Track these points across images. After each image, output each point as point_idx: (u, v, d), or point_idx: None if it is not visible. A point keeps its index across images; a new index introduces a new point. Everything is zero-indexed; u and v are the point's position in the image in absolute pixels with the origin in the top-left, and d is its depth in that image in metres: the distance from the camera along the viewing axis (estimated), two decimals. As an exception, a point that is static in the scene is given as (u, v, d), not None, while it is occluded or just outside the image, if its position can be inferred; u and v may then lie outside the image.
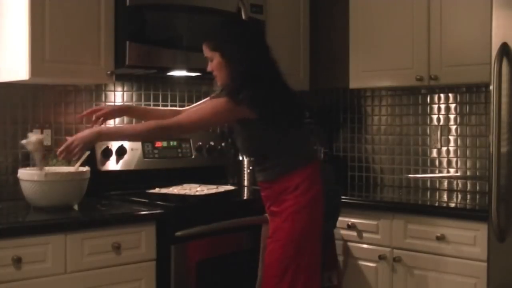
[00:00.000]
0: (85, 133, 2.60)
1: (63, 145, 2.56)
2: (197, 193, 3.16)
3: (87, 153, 2.87)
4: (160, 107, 3.46)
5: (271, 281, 2.67)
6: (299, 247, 2.64)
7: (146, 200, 2.95)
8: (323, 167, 2.81)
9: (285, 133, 2.69)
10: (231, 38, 2.71)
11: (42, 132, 3.15)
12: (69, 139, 2.57)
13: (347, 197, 3.28)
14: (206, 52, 2.74)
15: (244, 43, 2.70)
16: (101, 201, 2.99)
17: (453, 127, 3.56)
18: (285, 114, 2.68)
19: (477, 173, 3.46)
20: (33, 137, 2.75)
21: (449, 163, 3.57)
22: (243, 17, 3.28)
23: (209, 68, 2.76)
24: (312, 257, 2.68)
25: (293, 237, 2.64)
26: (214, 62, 2.72)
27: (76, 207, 2.78)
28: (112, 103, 3.42)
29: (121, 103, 3.42)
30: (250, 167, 3.61)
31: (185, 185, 3.32)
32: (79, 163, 2.84)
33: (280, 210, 2.68)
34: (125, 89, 3.49)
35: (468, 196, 3.40)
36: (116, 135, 2.76)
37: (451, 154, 3.56)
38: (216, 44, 2.70)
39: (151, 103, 3.58)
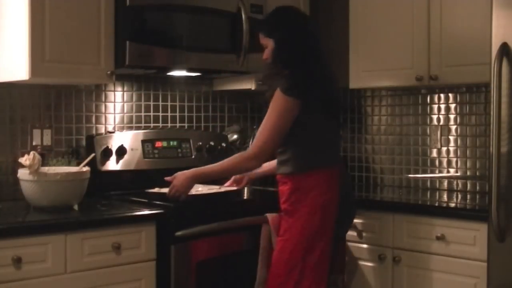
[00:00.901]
0: (182, 175, 2.81)
1: (170, 187, 2.82)
2: (197, 193, 3.16)
3: (93, 155, 2.94)
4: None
5: (276, 279, 2.68)
6: (309, 248, 2.65)
7: (146, 200, 2.95)
8: (342, 171, 2.82)
9: (318, 127, 2.71)
10: (284, 25, 2.76)
11: (42, 132, 3.15)
12: (171, 182, 2.83)
13: (347, 197, 3.28)
14: (261, 39, 2.80)
15: (295, 30, 2.75)
16: (101, 201, 2.99)
17: (453, 127, 3.56)
18: (325, 107, 2.71)
19: (477, 173, 3.47)
20: (30, 156, 2.74)
21: (449, 163, 3.57)
22: (243, 17, 3.28)
23: (264, 56, 2.80)
24: (320, 259, 2.68)
25: (304, 237, 2.65)
26: (268, 49, 2.77)
27: (76, 207, 2.78)
28: (112, 103, 3.42)
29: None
30: (250, 167, 3.61)
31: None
32: (84, 164, 2.85)
33: (293, 210, 2.68)
34: (125, 89, 3.49)
35: (468, 196, 3.40)
36: (209, 176, 2.87)
37: (451, 154, 3.56)
38: (270, 30, 2.76)
39: (151, 103, 3.58)
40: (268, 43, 2.78)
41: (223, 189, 3.25)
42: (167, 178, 2.86)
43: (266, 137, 2.67)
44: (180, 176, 2.82)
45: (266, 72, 2.83)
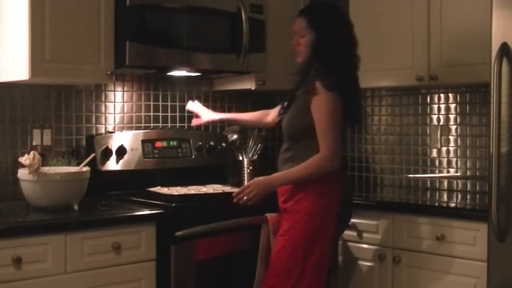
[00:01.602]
0: (260, 179, 2.72)
1: (240, 188, 2.74)
2: (197, 193, 3.16)
3: (93, 155, 2.94)
4: (247, 113, 3.38)
5: (273, 279, 2.68)
6: (309, 248, 2.66)
7: (146, 200, 2.95)
8: (344, 173, 2.83)
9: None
10: (331, 22, 2.75)
11: (42, 132, 3.15)
12: (247, 184, 2.74)
13: (347, 197, 3.29)
14: (301, 25, 2.75)
15: (340, 31, 2.75)
16: (101, 201, 2.99)
17: (453, 127, 3.56)
18: (349, 110, 2.72)
19: (477, 173, 3.46)
20: (30, 156, 2.73)
21: (449, 163, 3.57)
22: (243, 17, 3.28)
23: (295, 42, 2.78)
24: (320, 260, 2.69)
25: (305, 238, 2.66)
26: (304, 38, 2.74)
27: (76, 207, 2.78)
28: (112, 103, 3.43)
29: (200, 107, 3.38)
30: (250, 167, 3.61)
31: (189, 187, 3.32)
32: (84, 164, 2.85)
33: (295, 209, 2.68)
34: (125, 89, 3.49)
35: (468, 196, 3.40)
36: (285, 181, 2.74)
37: (451, 154, 3.56)
38: (316, 22, 2.73)
39: (151, 103, 3.58)
40: (307, 34, 2.74)
41: (225, 189, 3.26)
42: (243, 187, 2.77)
43: (334, 136, 2.65)
44: (255, 186, 2.72)
45: (303, 65, 2.77)
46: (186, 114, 3.71)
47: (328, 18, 2.77)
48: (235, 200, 2.74)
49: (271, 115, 3.17)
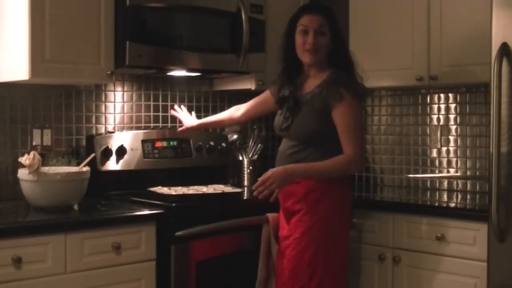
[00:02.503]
0: (280, 170, 2.62)
1: (260, 180, 2.59)
2: (197, 193, 3.16)
3: (93, 155, 2.94)
4: (221, 113, 3.37)
5: (297, 282, 2.66)
6: (331, 248, 2.66)
7: (146, 200, 2.95)
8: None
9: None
10: (339, 24, 2.81)
11: (42, 132, 3.15)
12: (265, 175, 2.59)
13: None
14: (322, 22, 2.73)
15: (343, 37, 2.84)
16: (101, 201, 2.99)
17: (453, 127, 3.56)
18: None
19: (477, 173, 3.46)
20: (30, 156, 2.73)
21: (449, 163, 3.57)
22: (243, 17, 3.28)
23: (314, 40, 2.71)
24: (341, 260, 2.71)
25: (327, 238, 2.66)
26: (324, 38, 2.73)
27: (76, 207, 2.78)
28: (112, 103, 3.43)
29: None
30: (250, 167, 3.61)
31: (190, 187, 3.32)
32: (84, 164, 2.85)
33: (313, 210, 2.67)
34: (125, 89, 3.49)
35: (468, 196, 3.40)
36: (307, 173, 2.66)
37: (451, 154, 3.56)
38: (332, 24, 2.76)
39: (151, 103, 3.58)
40: (327, 33, 2.73)
41: (226, 189, 3.26)
42: (262, 178, 2.62)
43: (360, 140, 2.70)
44: (281, 171, 2.62)
45: (336, 76, 2.74)
46: (186, 114, 3.72)
47: (337, 21, 2.80)
48: (255, 193, 2.61)
49: (241, 109, 3.19)
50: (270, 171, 2.62)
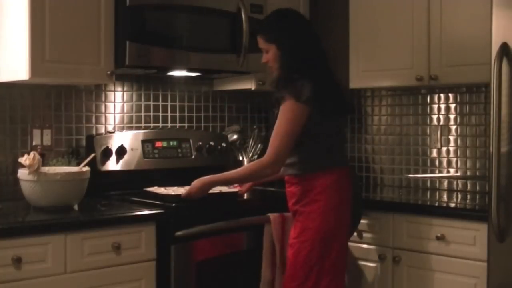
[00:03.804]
0: (204, 177, 2.82)
1: (186, 192, 2.82)
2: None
3: (93, 155, 2.94)
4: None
5: (294, 282, 2.66)
6: (326, 248, 2.65)
7: (146, 200, 2.95)
8: (352, 173, 2.83)
9: (327, 130, 2.72)
10: (287, 30, 2.76)
11: (42, 132, 3.15)
12: (189, 187, 2.83)
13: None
14: (261, 43, 2.80)
15: (298, 35, 2.75)
16: (101, 201, 2.99)
17: (453, 127, 3.56)
18: (334, 109, 2.73)
19: (477, 173, 3.47)
20: (30, 156, 2.73)
21: (449, 163, 3.57)
22: (243, 17, 3.28)
23: (264, 60, 2.82)
24: (337, 259, 2.69)
25: (321, 238, 2.66)
26: (269, 53, 2.77)
27: (76, 207, 2.78)
28: (112, 103, 3.43)
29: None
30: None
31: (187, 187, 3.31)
32: (84, 164, 2.85)
33: (308, 211, 2.68)
34: (125, 89, 3.49)
35: (468, 196, 3.40)
36: (225, 182, 2.90)
37: (451, 154, 3.56)
38: (272, 36, 2.76)
39: (151, 103, 3.58)
40: (270, 48, 2.76)
41: (227, 190, 3.25)
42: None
43: (280, 143, 2.65)
44: (197, 182, 2.83)
45: (275, 78, 2.77)
46: (186, 114, 3.71)
47: (283, 28, 2.77)
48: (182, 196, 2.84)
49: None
50: (192, 185, 2.83)
